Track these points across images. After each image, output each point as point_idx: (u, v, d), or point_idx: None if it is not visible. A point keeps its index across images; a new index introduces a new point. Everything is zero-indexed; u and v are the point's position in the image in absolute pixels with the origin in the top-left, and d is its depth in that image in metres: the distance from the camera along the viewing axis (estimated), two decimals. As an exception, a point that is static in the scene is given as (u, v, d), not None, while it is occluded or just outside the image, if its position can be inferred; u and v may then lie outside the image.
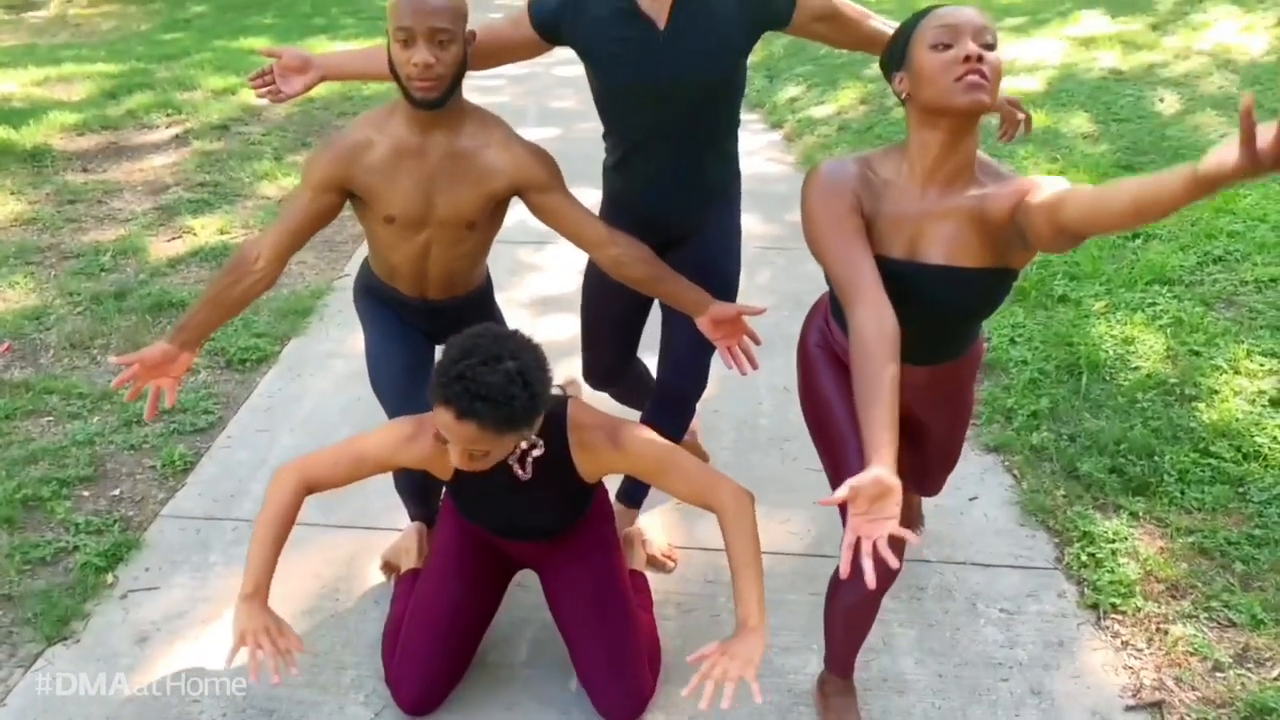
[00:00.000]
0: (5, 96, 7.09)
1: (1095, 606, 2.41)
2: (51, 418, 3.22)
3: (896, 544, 1.54)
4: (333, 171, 1.95)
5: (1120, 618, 2.37)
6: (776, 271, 4.35)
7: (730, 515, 1.82)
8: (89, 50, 9.36)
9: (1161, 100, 5.69)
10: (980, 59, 1.50)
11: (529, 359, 1.64)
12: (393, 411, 2.16)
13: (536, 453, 1.85)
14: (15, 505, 2.74)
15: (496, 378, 1.56)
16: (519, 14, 2.10)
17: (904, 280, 1.64)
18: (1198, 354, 3.32)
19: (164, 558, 2.58)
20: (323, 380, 3.46)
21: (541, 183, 2.01)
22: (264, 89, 2.13)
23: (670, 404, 2.40)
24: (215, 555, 2.60)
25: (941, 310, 1.71)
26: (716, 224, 2.29)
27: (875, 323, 1.52)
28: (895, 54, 1.64)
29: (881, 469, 1.37)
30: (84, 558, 2.54)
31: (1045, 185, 1.56)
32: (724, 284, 2.26)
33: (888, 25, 2.08)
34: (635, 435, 1.89)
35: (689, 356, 2.33)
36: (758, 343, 2.19)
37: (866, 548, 1.36)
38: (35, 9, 12.85)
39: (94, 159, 5.82)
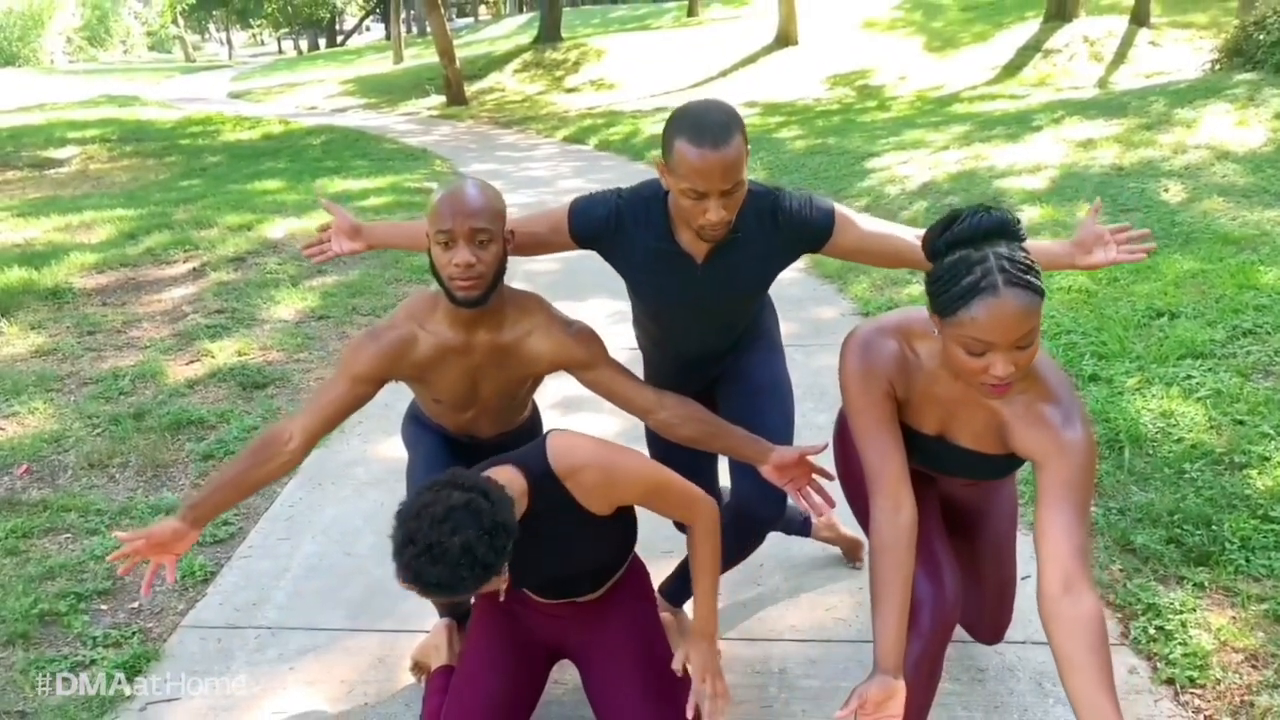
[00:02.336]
0: (28, 242, 7.27)
1: (1171, 681, 2.27)
2: (70, 535, 3.14)
3: None
4: (376, 367, 1.95)
5: (1200, 691, 2.23)
6: (795, 367, 4.30)
7: (702, 530, 1.94)
8: (109, 199, 9.65)
9: (1166, 190, 5.79)
10: (1010, 371, 1.51)
11: (473, 530, 1.53)
12: (412, 476, 2.22)
13: (503, 587, 1.79)
14: (32, 621, 2.63)
15: (439, 569, 1.52)
16: (557, 219, 2.08)
17: (934, 452, 1.82)
18: (1242, 423, 3.25)
19: (184, 668, 2.46)
20: (344, 488, 3.39)
21: (584, 362, 2.03)
22: (317, 252, 2.21)
23: (748, 534, 2.29)
24: (237, 663, 2.47)
25: (972, 474, 1.91)
26: (761, 362, 2.30)
27: (892, 517, 1.68)
28: (935, 305, 1.56)
29: (887, 675, 1.61)
30: (102, 670, 2.42)
31: (1055, 474, 1.61)
32: (780, 418, 2.23)
33: (910, 230, 2.07)
34: (627, 468, 1.85)
35: (767, 484, 2.19)
36: (829, 478, 2.12)
37: None
38: (57, 166, 13.32)
39: (113, 294, 5.90)
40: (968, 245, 1.51)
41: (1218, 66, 10.77)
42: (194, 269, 6.35)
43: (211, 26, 57.33)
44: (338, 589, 2.81)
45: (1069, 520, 1.56)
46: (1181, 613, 2.45)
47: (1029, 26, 17.61)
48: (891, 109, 13.16)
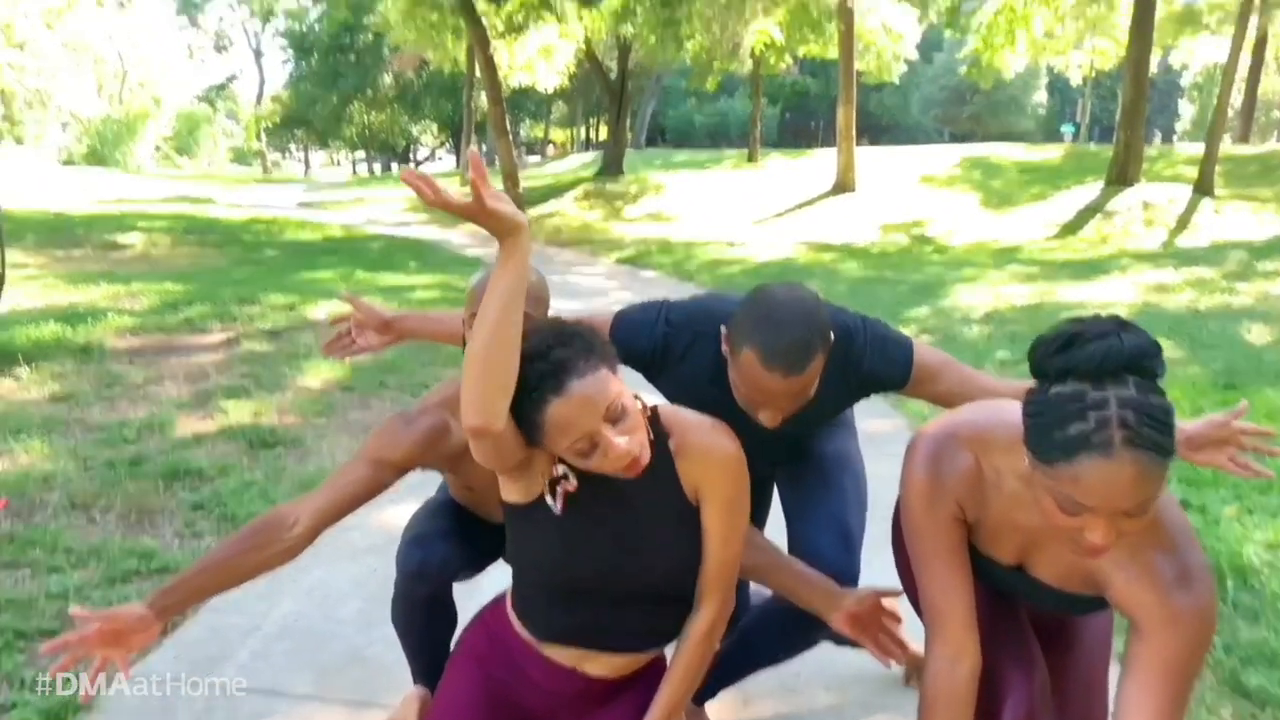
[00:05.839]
0: (72, 305, 7.23)
1: None
2: (29, 570, 2.83)
3: None
4: (405, 453, 1.73)
5: None
6: (848, 474, 3.96)
7: (710, 622, 1.56)
8: (161, 275, 9.71)
9: (1250, 331, 5.45)
10: (1112, 540, 1.20)
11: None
12: (410, 526, 1.98)
13: (568, 485, 1.48)
14: (-42, 654, 2.30)
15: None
16: (600, 325, 1.85)
17: (1010, 583, 1.53)
18: (1359, 559, 2.82)
19: (115, 722, 2.10)
20: (337, 551, 3.06)
21: None
22: (339, 348, 2.08)
23: (807, 629, 1.93)
24: (177, 724, 2.10)
25: (1054, 609, 1.60)
26: (829, 438, 2.04)
27: (950, 668, 1.42)
28: (1031, 440, 1.24)
29: None
30: (21, 716, 2.07)
31: (1155, 649, 1.27)
32: (851, 502, 1.97)
33: (1005, 384, 1.80)
34: (728, 455, 1.53)
35: (837, 533, 1.92)
36: (899, 621, 1.80)
37: None
38: (122, 250, 13.60)
39: (142, 355, 5.75)
40: (1086, 378, 1.17)
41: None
42: (228, 339, 6.21)
43: (292, 146, 60.19)
44: (309, 653, 2.45)
45: (1161, 710, 1.22)
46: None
47: (1088, 190, 17.64)
48: (949, 253, 13.04)
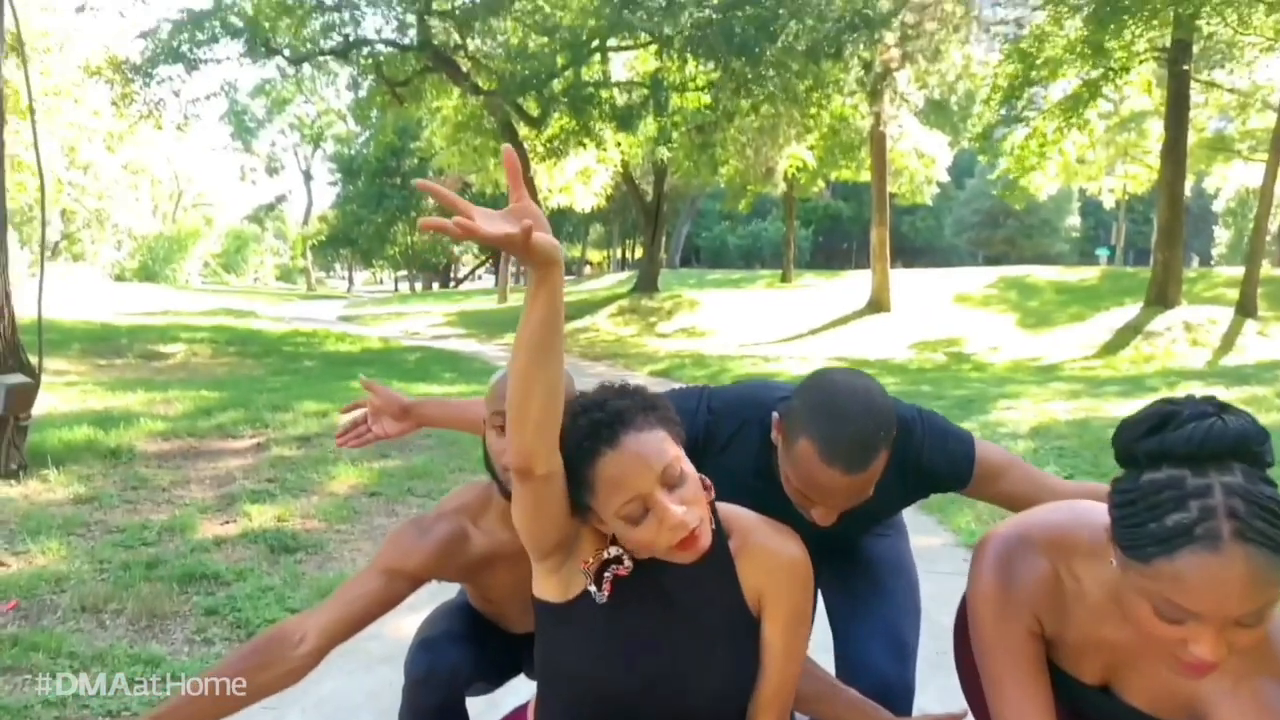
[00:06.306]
0: (107, 409, 7.25)
1: None
2: (28, 676, 2.68)
3: None
4: (419, 564, 1.63)
5: None
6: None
7: None
8: (198, 383, 9.79)
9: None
10: (1222, 655, 1.05)
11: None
12: (421, 629, 1.86)
13: (621, 569, 1.31)
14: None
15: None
16: None
17: (1096, 706, 1.34)
18: None
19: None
20: (352, 661, 2.89)
21: None
22: (353, 437, 2.00)
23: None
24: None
25: None
26: (877, 543, 1.90)
27: None
28: (1121, 536, 1.09)
29: None
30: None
31: None
32: (897, 651, 1.80)
33: (1077, 486, 1.70)
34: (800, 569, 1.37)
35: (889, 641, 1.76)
36: None
37: None
38: (163, 359, 13.81)
39: (170, 459, 5.70)
40: (1184, 463, 1.04)
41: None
42: (258, 444, 6.16)
43: (337, 264, 61.85)
44: (315, 771, 2.26)
45: None
46: None
47: (1127, 311, 17.50)
48: (988, 371, 12.87)
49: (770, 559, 1.36)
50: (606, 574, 1.32)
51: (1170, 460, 1.05)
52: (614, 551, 1.31)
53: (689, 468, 1.27)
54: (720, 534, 1.36)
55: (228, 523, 4.32)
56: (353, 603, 1.57)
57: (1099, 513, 1.19)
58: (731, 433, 1.64)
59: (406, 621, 3.15)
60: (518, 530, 1.30)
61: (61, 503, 4.54)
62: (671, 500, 1.23)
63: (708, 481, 1.31)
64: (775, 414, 1.53)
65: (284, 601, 3.29)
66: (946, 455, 1.62)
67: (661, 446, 1.25)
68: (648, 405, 1.29)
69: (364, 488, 5.06)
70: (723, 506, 1.40)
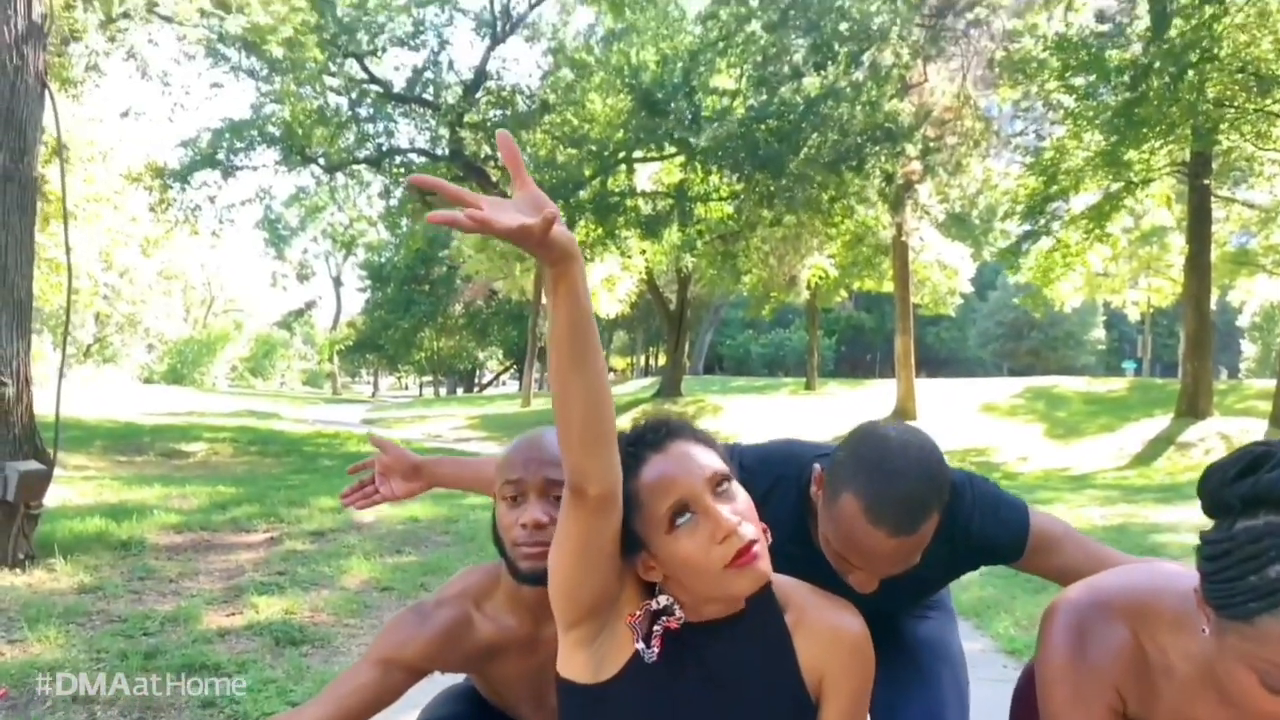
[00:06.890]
0: (122, 502, 7.17)
1: None
2: (8, 768, 2.53)
3: None
4: (418, 653, 1.50)
5: None
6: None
7: None
8: (215, 480, 9.71)
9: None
10: None
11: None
12: (423, 713, 1.71)
13: (672, 622, 1.18)
14: None
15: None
16: None
17: None
18: None
19: None
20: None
21: None
22: (360, 497, 1.90)
23: None
24: None
25: None
26: (922, 621, 1.80)
27: None
28: (1214, 594, 0.99)
29: None
30: None
31: None
32: (950, 690, 1.71)
33: (1142, 560, 1.57)
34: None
35: None
36: None
37: None
38: (184, 457, 13.78)
39: (181, 551, 5.57)
40: None
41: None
42: (271, 538, 6.03)
43: (363, 370, 62.43)
44: None
45: None
46: None
47: (1157, 422, 17.21)
48: (1018, 479, 12.58)
49: (832, 636, 1.23)
50: (656, 628, 1.18)
51: (1268, 505, 0.93)
52: (663, 601, 1.19)
53: (742, 490, 1.17)
54: (775, 606, 1.24)
55: (233, 614, 4.17)
56: (344, 699, 1.44)
57: (1183, 578, 1.06)
58: (765, 490, 1.50)
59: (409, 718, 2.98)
60: (550, 584, 1.18)
61: (65, 592, 4.41)
62: (722, 504, 1.11)
63: (764, 526, 1.19)
64: (816, 466, 1.41)
65: (286, 695, 3.11)
66: (999, 522, 1.49)
67: (711, 458, 1.16)
68: (704, 436, 1.22)
69: (376, 582, 4.89)
70: (776, 576, 1.26)
